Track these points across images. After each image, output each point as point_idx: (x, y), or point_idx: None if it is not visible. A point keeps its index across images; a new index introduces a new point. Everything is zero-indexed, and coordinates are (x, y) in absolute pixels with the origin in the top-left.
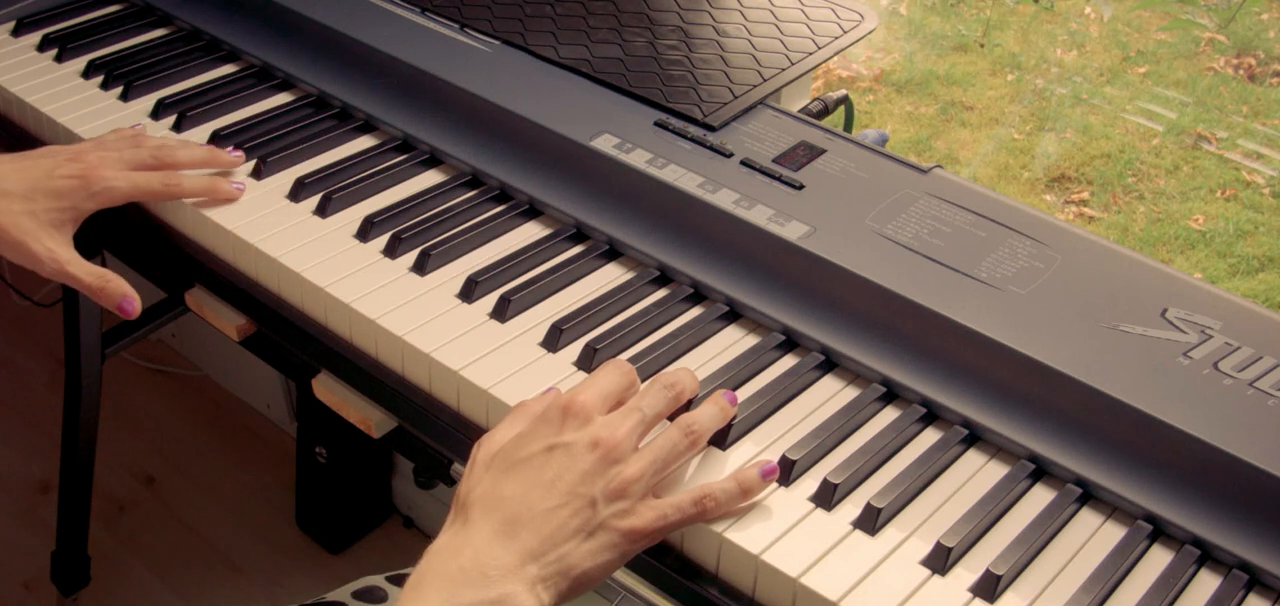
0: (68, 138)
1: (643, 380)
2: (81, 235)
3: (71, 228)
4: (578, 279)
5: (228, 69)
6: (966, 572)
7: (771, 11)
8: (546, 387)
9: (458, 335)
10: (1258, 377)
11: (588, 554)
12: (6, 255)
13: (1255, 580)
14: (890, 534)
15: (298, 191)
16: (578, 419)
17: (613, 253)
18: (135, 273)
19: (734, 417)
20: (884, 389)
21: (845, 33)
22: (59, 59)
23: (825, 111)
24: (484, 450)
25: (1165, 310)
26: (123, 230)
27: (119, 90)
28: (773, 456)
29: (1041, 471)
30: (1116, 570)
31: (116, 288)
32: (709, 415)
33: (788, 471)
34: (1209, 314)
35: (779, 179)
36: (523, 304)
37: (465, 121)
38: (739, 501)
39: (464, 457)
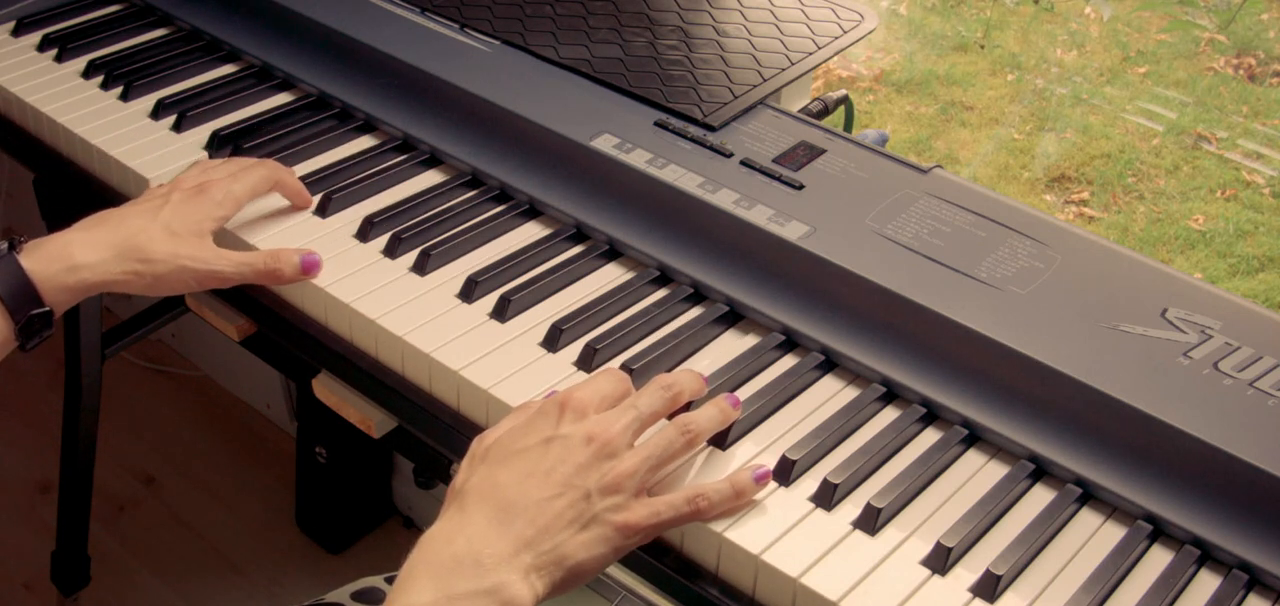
0: (67, 137)
1: (644, 379)
2: None
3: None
4: (578, 279)
5: (228, 69)
6: (966, 572)
7: (771, 11)
8: (546, 387)
9: (458, 335)
10: (1258, 377)
11: (582, 545)
12: (154, 292)
13: (1255, 580)
14: (890, 534)
15: None
16: (575, 413)
17: (613, 253)
18: None
19: (734, 420)
20: (884, 389)
21: (845, 33)
22: (59, 59)
23: (825, 111)
24: (481, 445)
25: (1165, 310)
26: None
27: (119, 90)
28: (773, 456)
29: (1041, 471)
30: (1116, 570)
31: (288, 257)
32: (708, 416)
33: (788, 471)
34: (1209, 314)
35: (779, 179)
36: (523, 304)
37: (465, 121)
38: (732, 502)
39: (464, 457)
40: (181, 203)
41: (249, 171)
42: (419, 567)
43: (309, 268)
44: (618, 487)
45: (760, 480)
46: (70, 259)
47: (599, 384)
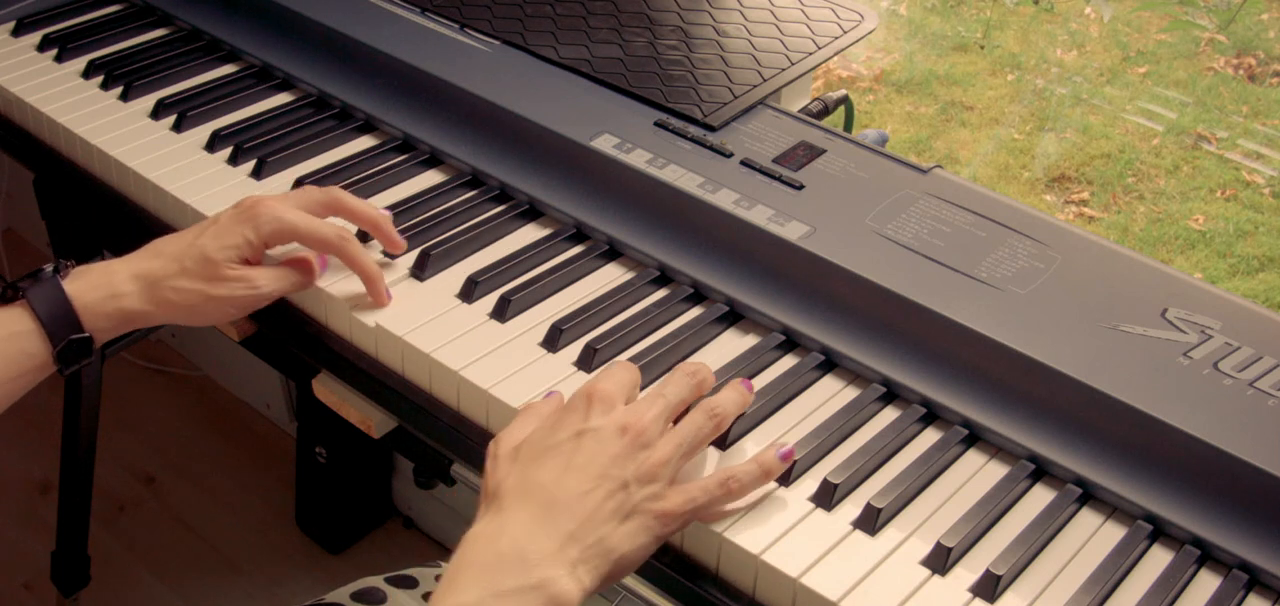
0: (67, 136)
1: (646, 380)
2: (77, 235)
3: (247, 264)
4: (578, 279)
5: (228, 69)
6: (966, 572)
7: (771, 11)
8: (546, 388)
9: (458, 335)
10: (1258, 377)
11: (625, 536)
12: (195, 321)
13: (1255, 580)
14: (890, 534)
15: None
16: (603, 405)
17: (613, 253)
18: None
19: (749, 403)
20: (884, 389)
21: (845, 33)
22: (59, 59)
23: (825, 111)
24: (504, 445)
25: (1165, 310)
26: (123, 231)
27: (119, 90)
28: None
29: (1041, 471)
30: (1116, 570)
31: (307, 263)
32: (730, 399)
33: (788, 471)
34: (1209, 314)
35: (779, 179)
36: (523, 304)
37: (465, 121)
38: (760, 482)
39: (464, 457)
40: (227, 223)
41: (310, 221)
42: (463, 568)
43: (325, 264)
44: (654, 476)
45: (785, 458)
46: (112, 287)
47: (618, 374)
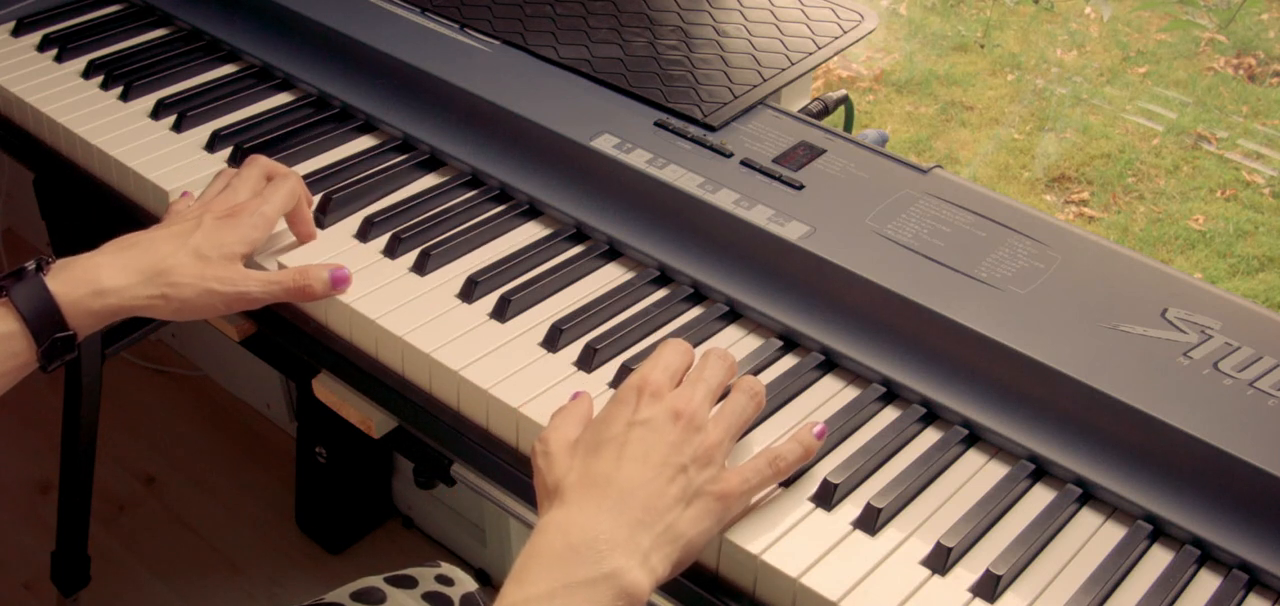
0: (68, 137)
1: None
2: (77, 235)
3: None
4: (578, 279)
5: (228, 69)
6: (966, 572)
7: (771, 11)
8: (546, 388)
9: (458, 335)
10: (1258, 377)
11: (691, 521)
12: (182, 317)
13: (1255, 580)
14: (890, 534)
15: None
16: (652, 395)
17: (613, 253)
18: None
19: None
20: (884, 389)
21: (845, 33)
22: (59, 59)
23: (825, 111)
24: (556, 443)
25: (1165, 310)
26: (122, 231)
27: (119, 90)
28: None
29: (1041, 471)
30: (1116, 570)
31: (316, 273)
32: (762, 384)
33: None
34: (1209, 314)
35: (779, 179)
36: (523, 304)
37: (465, 121)
38: (801, 460)
39: (464, 457)
40: (213, 228)
41: (276, 190)
42: (532, 559)
43: (338, 282)
44: (710, 459)
45: (820, 436)
46: (97, 283)
47: (666, 359)
